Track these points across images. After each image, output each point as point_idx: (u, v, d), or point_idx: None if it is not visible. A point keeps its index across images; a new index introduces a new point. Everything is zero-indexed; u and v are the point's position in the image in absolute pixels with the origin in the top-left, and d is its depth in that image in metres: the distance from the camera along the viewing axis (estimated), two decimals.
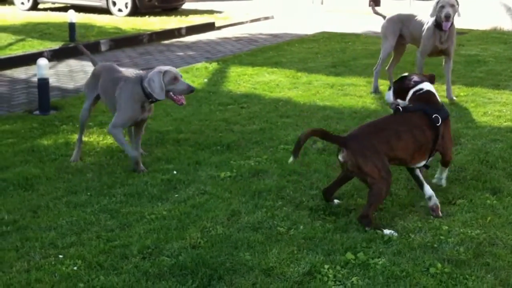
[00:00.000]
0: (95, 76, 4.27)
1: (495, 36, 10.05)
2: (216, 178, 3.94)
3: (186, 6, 13.59)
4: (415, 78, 3.70)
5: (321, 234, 3.19)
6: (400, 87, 3.71)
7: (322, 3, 14.77)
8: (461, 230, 3.21)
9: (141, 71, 4.20)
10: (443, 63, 5.85)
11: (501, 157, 4.24)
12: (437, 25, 5.55)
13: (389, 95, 3.77)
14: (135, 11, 12.09)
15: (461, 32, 9.95)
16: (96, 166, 4.19)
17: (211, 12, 13.10)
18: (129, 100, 3.98)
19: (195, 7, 13.90)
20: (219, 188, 3.79)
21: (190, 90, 3.91)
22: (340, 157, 3.40)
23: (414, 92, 3.62)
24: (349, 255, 2.96)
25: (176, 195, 3.69)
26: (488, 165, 4.11)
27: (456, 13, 5.52)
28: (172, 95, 3.91)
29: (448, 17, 5.38)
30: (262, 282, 2.75)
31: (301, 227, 3.27)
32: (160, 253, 2.99)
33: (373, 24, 11.03)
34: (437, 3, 5.47)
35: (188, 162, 4.23)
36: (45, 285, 2.70)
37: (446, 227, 3.23)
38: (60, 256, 2.94)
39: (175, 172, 4.04)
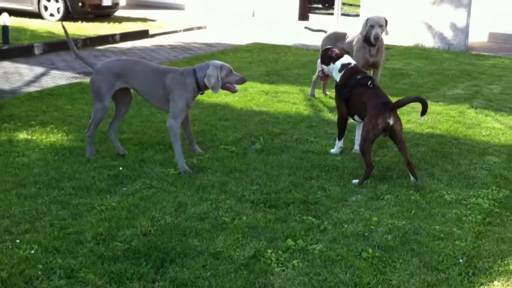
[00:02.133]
0: (113, 73, 4.29)
1: (417, 52, 10.80)
2: (161, 174, 4.11)
3: (119, 13, 13.58)
4: (336, 50, 4.76)
5: (263, 223, 3.43)
6: (324, 56, 4.80)
7: (253, 15, 15.17)
8: (389, 221, 3.54)
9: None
10: (372, 74, 6.30)
11: (423, 159, 4.66)
12: (366, 40, 5.98)
13: (318, 62, 4.91)
14: (67, 17, 11.99)
15: (386, 48, 10.59)
16: (42, 162, 4.24)
17: (144, 20, 13.16)
18: (183, 91, 4.24)
19: (128, 14, 13.90)
20: (164, 182, 3.96)
21: (244, 80, 4.37)
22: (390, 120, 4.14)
23: (344, 65, 4.63)
24: (290, 242, 3.22)
25: (124, 189, 3.83)
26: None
27: (384, 32, 5.98)
28: (228, 85, 4.30)
29: (377, 38, 5.86)
30: (211, 264, 2.95)
31: (244, 217, 3.50)
32: (113, 239, 3.13)
33: (301, 37, 11.54)
34: (367, 21, 5.91)
35: (133, 159, 4.37)
36: (5, 266, 2.79)
37: (376, 219, 3.56)
38: (17, 241, 3.02)
39: (121, 168, 4.16)
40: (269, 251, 3.10)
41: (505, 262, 3.09)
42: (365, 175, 4.16)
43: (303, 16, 15.04)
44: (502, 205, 3.85)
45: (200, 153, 4.58)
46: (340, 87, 4.63)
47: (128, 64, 4.45)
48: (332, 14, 15.12)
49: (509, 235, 3.41)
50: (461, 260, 3.09)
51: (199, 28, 12.90)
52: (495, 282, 2.89)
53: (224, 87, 4.30)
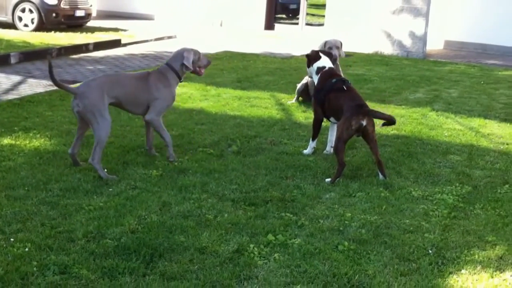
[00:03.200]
0: (100, 88, 4.28)
1: (378, 59, 11.20)
2: (144, 175, 4.26)
3: (91, 23, 13.66)
4: (315, 53, 5.04)
5: (244, 220, 3.61)
6: (307, 58, 5.08)
7: (221, 25, 15.38)
8: (362, 216, 3.75)
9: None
10: None
11: (390, 159, 4.93)
12: None
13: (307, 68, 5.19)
14: (41, 27, 12.07)
15: (348, 55, 10.96)
16: (27, 165, 4.34)
17: (116, 30, 13.24)
18: (167, 87, 4.56)
19: (99, 24, 13.95)
20: (148, 183, 4.11)
21: (210, 62, 4.84)
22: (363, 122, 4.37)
23: (320, 68, 4.89)
24: (270, 237, 3.40)
25: (110, 190, 3.97)
26: None
27: (340, 53, 6.27)
28: (198, 69, 4.70)
29: (335, 59, 6.10)
30: (197, 258, 3.12)
31: (226, 215, 3.67)
32: (103, 237, 3.27)
33: (268, 46, 11.81)
34: (325, 44, 6.21)
35: (116, 162, 4.51)
36: (1, 263, 2.91)
37: (349, 214, 3.77)
38: (11, 239, 3.13)
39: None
40: (251, 245, 3.28)
41: (471, 252, 3.34)
42: (337, 173, 4.38)
43: (269, 26, 15.32)
44: (465, 200, 4.12)
45: (154, 155, 4.73)
46: (317, 90, 4.85)
47: (109, 78, 4.66)
48: (297, 24, 15.46)
49: (473, 227, 3.67)
50: (430, 251, 3.33)
51: (169, 37, 13.05)
52: (463, 271, 3.13)
53: (194, 71, 4.67)
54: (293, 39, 13.67)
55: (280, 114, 6.34)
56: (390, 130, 5.83)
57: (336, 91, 4.65)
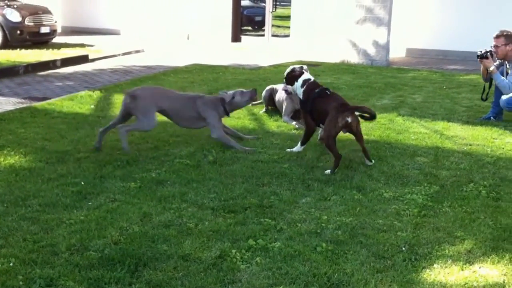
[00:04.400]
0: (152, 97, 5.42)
1: (344, 68, 11.45)
2: (123, 188, 4.32)
3: (56, 39, 13.61)
4: (298, 69, 5.42)
5: (224, 227, 3.70)
6: (289, 76, 5.43)
7: (188, 38, 15.49)
8: (338, 218, 3.88)
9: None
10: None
11: (362, 163, 5.09)
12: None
13: (284, 83, 5.64)
14: (6, 45, 12.00)
15: (316, 64, 11.21)
16: (4, 182, 4.35)
17: (82, 45, 13.22)
18: (216, 115, 5.53)
19: (65, 40, 13.90)
20: (127, 195, 4.17)
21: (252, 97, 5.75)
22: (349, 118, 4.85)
23: (305, 81, 5.27)
24: (251, 242, 3.50)
25: (90, 203, 4.01)
26: (352, 170, 4.92)
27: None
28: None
29: None
30: (181, 265, 3.20)
31: (207, 223, 3.76)
32: (86, 249, 3.32)
33: (236, 58, 11.96)
34: (293, 70, 6.35)
35: (93, 176, 4.55)
36: None
37: (326, 217, 3.90)
38: None
39: (82, 183, 4.34)
40: (233, 251, 3.37)
41: (442, 247, 3.50)
42: (335, 164, 4.85)
43: (236, 38, 15.51)
44: (433, 199, 4.30)
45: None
46: (303, 102, 5.28)
47: (154, 92, 5.60)
48: (263, 35, 15.69)
49: (443, 224, 3.85)
50: (403, 248, 3.47)
51: (137, 51, 13.09)
52: (435, 265, 3.28)
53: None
54: (260, 51, 13.87)
55: (253, 124, 6.47)
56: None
57: (319, 98, 5.13)
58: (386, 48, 12.53)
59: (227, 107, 5.58)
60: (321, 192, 4.39)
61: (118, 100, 7.48)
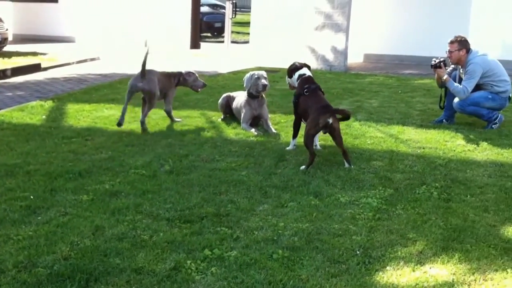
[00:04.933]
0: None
1: None
2: (75, 201, 4.21)
3: (7, 48, 13.27)
4: (297, 64, 5.78)
5: (180, 238, 3.65)
6: (290, 69, 5.80)
7: (145, 45, 15.33)
8: (294, 225, 3.88)
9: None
10: (264, 125, 6.60)
11: (319, 168, 5.11)
12: (250, 95, 6.55)
13: (287, 79, 5.93)
14: None
15: (275, 70, 11.24)
16: None
17: (34, 53, 12.93)
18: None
19: (16, 49, 13.57)
20: (79, 208, 4.07)
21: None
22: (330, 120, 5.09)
23: (300, 75, 5.61)
24: (207, 252, 3.46)
25: (39, 218, 3.89)
26: (310, 175, 4.93)
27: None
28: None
29: (265, 86, 6.49)
30: (134, 279, 3.13)
31: (161, 234, 3.70)
32: (34, 266, 3.21)
33: (195, 64, 11.88)
34: (252, 76, 6.50)
35: (43, 189, 4.42)
36: None
37: (282, 224, 3.89)
38: None
39: (32, 197, 4.22)
40: (188, 261, 3.33)
41: (395, 249, 3.54)
42: (309, 162, 5.08)
43: (195, 44, 15.45)
44: (388, 202, 4.35)
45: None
46: (294, 95, 5.58)
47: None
48: (222, 42, 15.68)
49: (396, 226, 3.89)
50: (358, 252, 3.49)
51: (92, 59, 12.89)
52: (388, 267, 3.31)
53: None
54: (220, 57, 13.84)
55: (211, 132, 6.44)
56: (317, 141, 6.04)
57: (305, 96, 5.40)
58: (344, 54, 12.69)
59: (180, 79, 6.78)
60: (279, 199, 4.38)
61: (72, 110, 7.36)
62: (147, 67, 6.48)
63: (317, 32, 12.77)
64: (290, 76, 5.78)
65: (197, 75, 7.00)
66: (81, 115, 7.09)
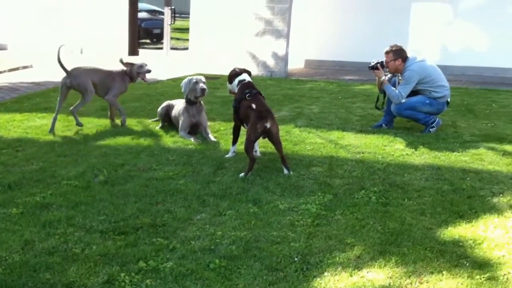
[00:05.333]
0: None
1: None
2: (3, 215, 4.02)
3: None
4: (237, 70, 5.81)
5: (114, 250, 3.53)
6: (230, 75, 5.82)
7: (81, 52, 14.98)
8: (232, 233, 3.84)
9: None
10: (203, 133, 6.54)
11: (258, 175, 5.08)
12: (188, 101, 6.49)
13: (228, 85, 5.90)
14: None
15: (215, 77, 11.19)
16: None
17: None
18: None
19: None
20: (8, 222, 3.88)
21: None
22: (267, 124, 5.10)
23: (240, 81, 5.64)
24: (141, 263, 3.37)
25: None
26: (249, 183, 4.89)
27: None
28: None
29: (203, 91, 6.42)
30: None
31: (94, 247, 3.57)
32: None
33: (165, 72, 11.65)
34: (190, 81, 6.44)
35: None
36: None
37: (220, 233, 3.84)
38: None
39: None
40: (122, 274, 3.22)
41: (333, 255, 3.55)
42: (249, 168, 5.05)
43: (133, 51, 15.20)
44: (327, 208, 4.37)
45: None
46: (234, 100, 5.61)
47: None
48: (161, 48, 15.50)
49: (335, 232, 3.91)
50: (296, 259, 3.48)
51: (25, 67, 12.43)
52: (325, 273, 3.31)
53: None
54: (159, 64, 13.64)
55: (148, 140, 6.31)
56: (257, 147, 6.02)
57: (246, 100, 5.40)
58: (285, 60, 12.78)
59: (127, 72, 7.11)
60: (217, 207, 4.32)
61: (2, 119, 7.06)
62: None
63: (257, 38, 12.82)
64: (231, 82, 5.80)
65: (141, 64, 7.21)
66: (11, 125, 6.81)
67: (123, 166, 5.25)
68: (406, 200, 4.55)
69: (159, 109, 7.03)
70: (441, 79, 7.03)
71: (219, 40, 13.22)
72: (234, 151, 5.70)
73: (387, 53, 6.93)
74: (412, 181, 5.03)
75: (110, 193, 4.54)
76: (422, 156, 5.84)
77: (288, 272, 3.32)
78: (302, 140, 6.48)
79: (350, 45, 13.84)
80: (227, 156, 5.66)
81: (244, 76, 5.73)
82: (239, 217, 4.15)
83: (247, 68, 5.96)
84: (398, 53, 6.90)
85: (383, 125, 7.17)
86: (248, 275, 3.28)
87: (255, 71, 12.72)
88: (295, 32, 13.37)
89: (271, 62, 12.79)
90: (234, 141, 5.70)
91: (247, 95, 5.42)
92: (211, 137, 6.43)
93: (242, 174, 5.04)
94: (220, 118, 7.55)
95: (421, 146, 6.21)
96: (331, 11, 14.31)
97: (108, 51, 14.56)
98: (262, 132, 5.15)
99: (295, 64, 14.07)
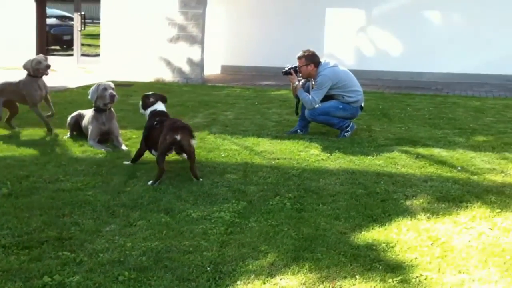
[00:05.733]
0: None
1: (158, 87, 11.32)
2: None
3: None
4: (152, 99, 5.71)
5: (17, 265, 3.35)
6: (144, 103, 5.73)
7: None
8: (143, 244, 3.73)
9: None
10: (114, 141, 6.40)
11: (171, 184, 4.98)
12: (97, 109, 6.30)
13: (140, 107, 5.82)
14: None
15: (128, 84, 10.96)
16: None
17: None
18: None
19: None
20: None
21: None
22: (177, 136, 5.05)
23: (152, 111, 5.61)
24: (46, 278, 3.21)
25: None
26: (161, 192, 4.77)
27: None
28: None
29: (113, 96, 6.23)
30: None
31: None
32: None
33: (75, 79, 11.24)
34: (99, 87, 6.25)
35: None
36: None
37: (130, 244, 3.72)
38: None
39: None
40: None
41: (246, 263, 3.51)
42: (157, 177, 5.02)
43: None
44: (241, 215, 4.34)
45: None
46: (144, 128, 5.56)
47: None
48: (72, 55, 15.01)
49: (248, 239, 3.88)
50: (208, 268, 3.42)
51: None
52: (238, 282, 3.28)
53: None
54: (69, 71, 13.22)
55: (56, 150, 6.06)
56: (171, 156, 5.91)
57: (155, 128, 5.38)
58: (200, 66, 12.73)
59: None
60: (127, 218, 4.20)
61: None
62: None
63: (171, 44, 12.69)
64: (145, 109, 5.75)
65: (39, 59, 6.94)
66: None
67: (28, 178, 5.00)
68: (320, 205, 4.58)
69: (69, 118, 6.76)
70: (354, 84, 7.17)
71: (132, 46, 12.97)
72: (131, 162, 5.64)
73: (299, 58, 7.01)
74: (327, 186, 5.09)
75: (14, 206, 4.31)
76: (337, 161, 5.94)
77: (200, 282, 3.26)
78: (217, 146, 6.45)
79: (266, 51, 14.01)
80: (125, 162, 5.63)
81: (157, 106, 5.68)
82: (150, 227, 4.05)
83: (162, 94, 5.92)
84: (311, 58, 7.00)
85: (298, 130, 7.25)
86: (159, 286, 3.20)
87: (170, 77, 12.61)
88: (211, 37, 13.37)
89: (186, 68, 12.70)
90: (134, 161, 5.62)
91: (155, 123, 5.41)
92: (123, 145, 6.26)
93: (150, 182, 4.99)
94: (132, 125, 7.37)
95: (336, 151, 6.30)
96: (247, 17, 14.43)
97: (13, 59, 13.90)
98: (171, 143, 5.08)
99: (212, 70, 14.07)
